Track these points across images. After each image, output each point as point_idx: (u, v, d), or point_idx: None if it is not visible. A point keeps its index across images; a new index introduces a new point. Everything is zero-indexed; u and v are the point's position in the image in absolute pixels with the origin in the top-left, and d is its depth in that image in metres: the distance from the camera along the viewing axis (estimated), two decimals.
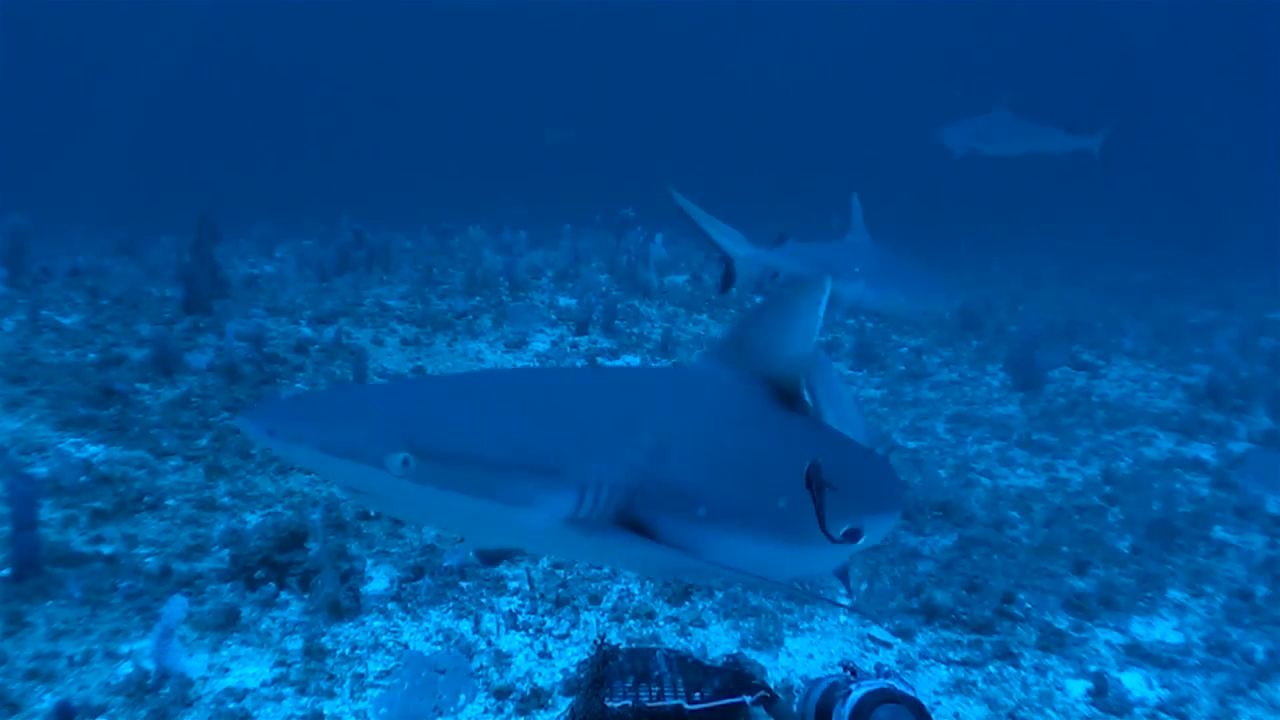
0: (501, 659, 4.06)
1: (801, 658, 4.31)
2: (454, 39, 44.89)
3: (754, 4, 43.20)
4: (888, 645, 4.51)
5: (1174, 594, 5.27)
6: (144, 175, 22.01)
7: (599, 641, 3.48)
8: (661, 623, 4.45)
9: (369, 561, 4.76)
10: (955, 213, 24.87)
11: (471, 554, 4.85)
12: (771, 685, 3.10)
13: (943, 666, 4.37)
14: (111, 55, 36.70)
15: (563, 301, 10.13)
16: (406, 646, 4.11)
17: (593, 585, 4.71)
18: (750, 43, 45.96)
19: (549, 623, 4.37)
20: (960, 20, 42.43)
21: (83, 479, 5.35)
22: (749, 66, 42.92)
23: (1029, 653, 4.53)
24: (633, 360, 8.70)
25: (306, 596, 4.36)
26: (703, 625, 4.47)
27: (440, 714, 3.70)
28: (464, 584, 4.61)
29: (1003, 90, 11.43)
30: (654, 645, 3.61)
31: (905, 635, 4.59)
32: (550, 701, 3.79)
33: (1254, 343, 11.66)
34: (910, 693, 2.71)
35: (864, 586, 4.89)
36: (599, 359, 8.54)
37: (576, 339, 9.08)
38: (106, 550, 4.68)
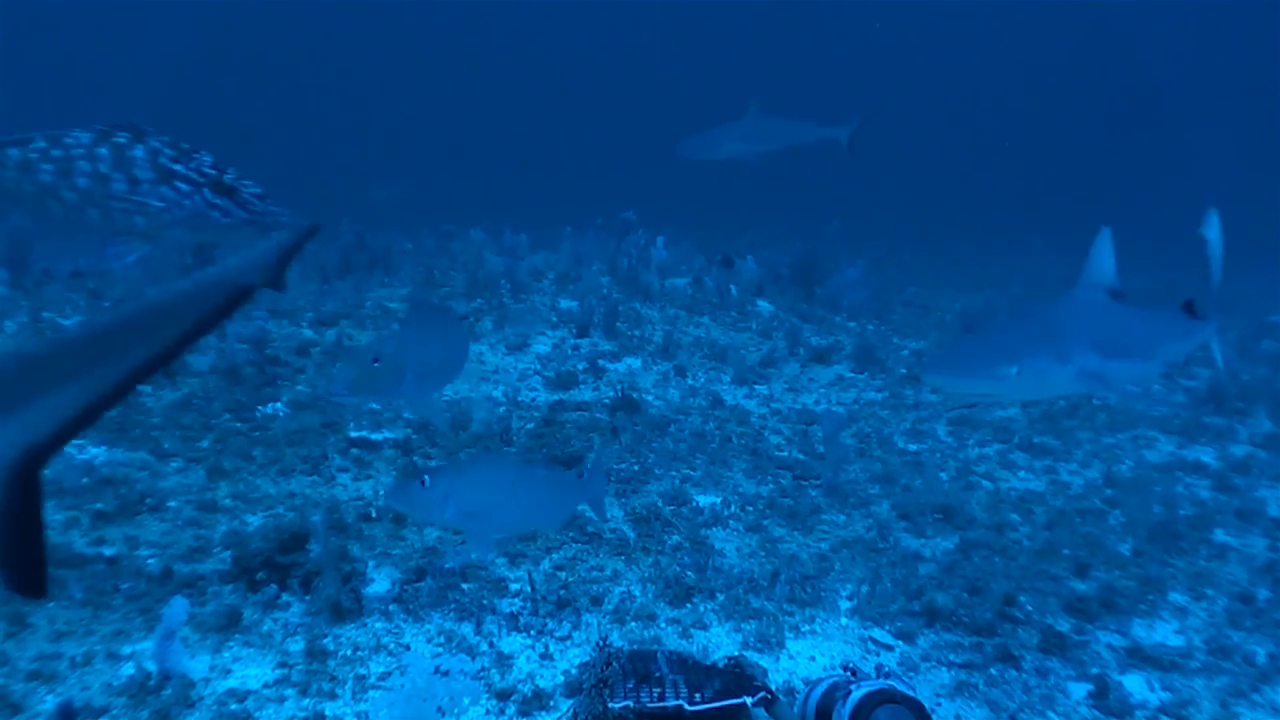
0: (503, 660, 4.06)
1: (803, 660, 4.31)
2: (454, 40, 44.94)
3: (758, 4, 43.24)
4: (889, 648, 4.51)
5: (1175, 597, 5.27)
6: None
7: (601, 643, 3.49)
8: (663, 624, 4.45)
9: (370, 563, 4.77)
10: (955, 214, 24.90)
11: (473, 555, 4.86)
12: (773, 687, 3.11)
13: (944, 669, 4.37)
14: (112, 56, 36.76)
15: (564, 304, 10.14)
16: (408, 648, 4.11)
17: (594, 587, 4.71)
18: (751, 43, 46.00)
19: (550, 624, 4.37)
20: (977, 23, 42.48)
21: (84, 481, 5.36)
22: (750, 67, 42.94)
23: (1030, 655, 4.53)
24: (634, 363, 8.71)
25: (308, 598, 4.37)
26: (704, 627, 4.47)
27: (443, 715, 3.70)
28: (465, 586, 4.62)
29: (756, 95, 11.78)
30: (655, 647, 3.61)
31: (907, 638, 4.59)
32: (552, 703, 3.79)
33: (1255, 346, 11.68)
34: (910, 693, 2.72)
35: (865, 589, 4.89)
36: (600, 361, 8.55)
37: (578, 341, 9.09)
38: (108, 552, 4.69)
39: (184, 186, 4.14)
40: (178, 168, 4.16)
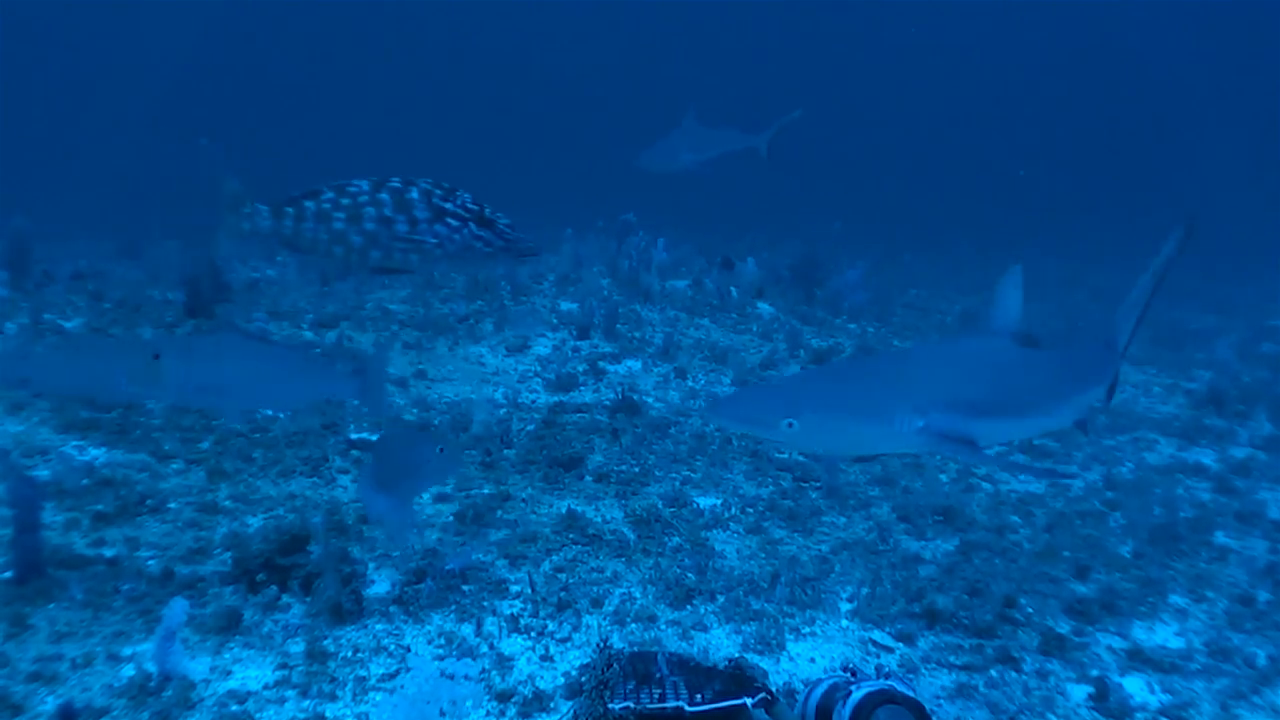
0: (503, 662, 4.06)
1: (803, 661, 4.31)
2: (454, 40, 44.97)
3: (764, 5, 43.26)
4: (889, 649, 4.51)
5: (1176, 599, 5.27)
6: (146, 178, 22.05)
7: (601, 645, 3.49)
8: (663, 626, 4.45)
9: (371, 565, 4.77)
10: (956, 215, 24.90)
11: (474, 556, 4.86)
12: (773, 688, 3.11)
13: (945, 671, 4.37)
14: (113, 57, 36.79)
15: (564, 306, 10.15)
16: (409, 649, 4.11)
17: (594, 589, 4.71)
18: (752, 44, 46.02)
19: (551, 626, 4.37)
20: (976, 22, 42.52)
21: (85, 482, 5.36)
22: (755, 66, 42.97)
23: (1030, 657, 4.53)
24: (634, 365, 8.71)
25: (308, 599, 4.36)
26: (705, 629, 4.47)
27: (444, 718, 3.70)
28: (466, 587, 4.62)
29: (691, 102, 11.85)
30: (656, 648, 3.61)
31: (907, 639, 4.59)
32: (552, 705, 3.79)
33: (1255, 348, 11.69)
34: (910, 694, 2.72)
35: (865, 591, 4.89)
36: (600, 363, 8.55)
37: (578, 343, 9.09)
38: (109, 553, 4.69)
39: (453, 223, 4.56)
40: (447, 205, 4.58)
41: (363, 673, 3.91)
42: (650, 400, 7.84)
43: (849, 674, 2.95)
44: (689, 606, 4.65)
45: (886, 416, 3.68)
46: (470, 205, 4.63)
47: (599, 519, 5.57)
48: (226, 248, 4.68)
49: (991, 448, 4.27)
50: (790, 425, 3.58)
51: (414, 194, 4.55)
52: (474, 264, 4.93)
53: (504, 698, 3.82)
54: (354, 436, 6.41)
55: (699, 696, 2.96)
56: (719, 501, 5.94)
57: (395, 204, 4.51)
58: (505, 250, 4.71)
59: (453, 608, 4.45)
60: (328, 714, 3.65)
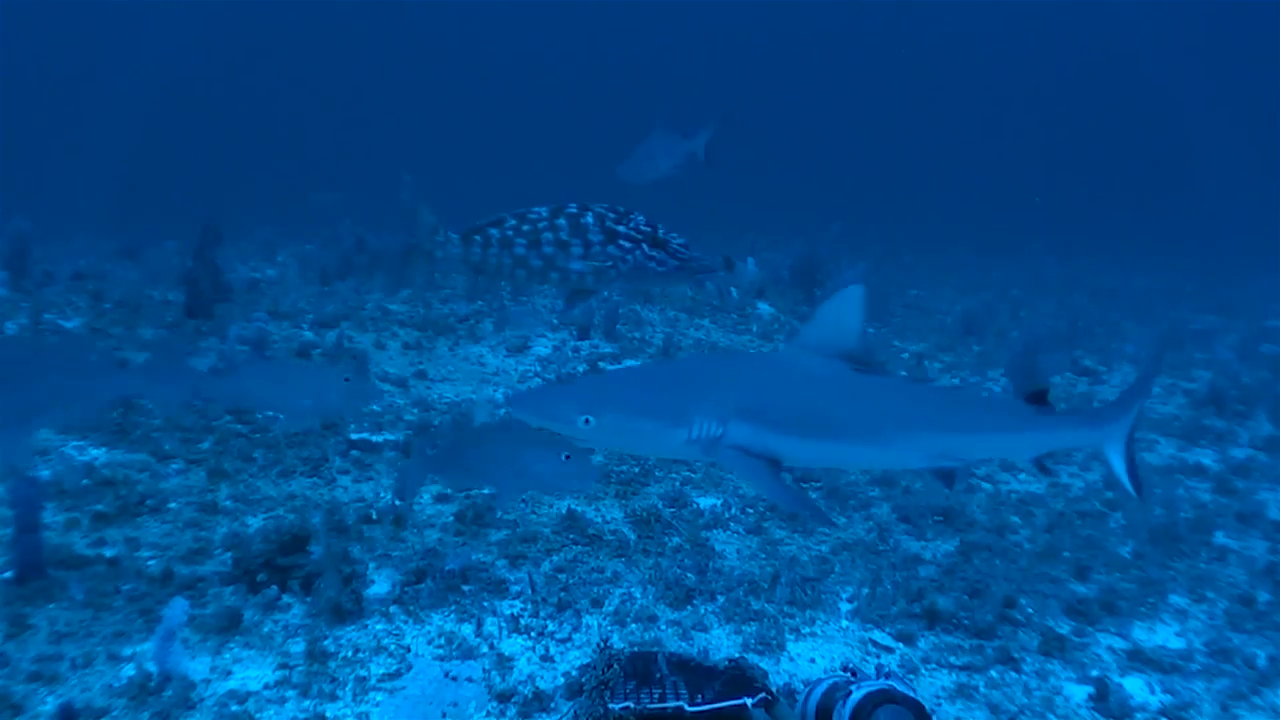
0: (504, 662, 4.06)
1: (804, 662, 4.31)
2: (454, 39, 44.97)
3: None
4: (889, 650, 4.51)
5: (1176, 599, 5.27)
6: (146, 179, 22.06)
7: (601, 645, 3.49)
8: (664, 626, 4.45)
9: (371, 565, 4.76)
10: (957, 215, 24.91)
11: (474, 556, 4.86)
12: (773, 688, 3.11)
13: (945, 671, 4.37)
14: (113, 57, 36.78)
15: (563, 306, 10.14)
16: (409, 649, 4.11)
17: (594, 589, 4.71)
18: (755, 44, 46.04)
19: (551, 626, 4.37)
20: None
21: (85, 482, 5.36)
22: (758, 66, 42.99)
23: (1031, 658, 4.53)
24: (634, 365, 8.71)
25: (309, 599, 4.36)
26: (705, 629, 4.47)
27: (444, 717, 3.70)
28: (466, 587, 4.62)
29: (660, 109, 11.86)
30: (656, 649, 3.61)
31: (907, 640, 4.59)
32: (552, 705, 3.79)
33: (1255, 348, 11.68)
34: (911, 694, 2.72)
35: (865, 591, 4.89)
36: (601, 364, 8.55)
37: (579, 344, 9.10)
38: (109, 553, 4.69)
39: (626, 244, 4.78)
40: (619, 228, 4.79)
41: (363, 673, 3.91)
42: None
43: (849, 674, 2.95)
44: (689, 607, 4.65)
45: (684, 421, 3.54)
46: (643, 227, 4.82)
47: (599, 519, 5.58)
48: (422, 274, 4.97)
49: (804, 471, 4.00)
50: (587, 422, 3.51)
51: (589, 218, 4.79)
52: (650, 283, 5.12)
53: (504, 698, 3.82)
54: (354, 437, 6.41)
55: (699, 697, 2.96)
56: (719, 502, 5.94)
57: (571, 228, 4.75)
58: (680, 269, 4.90)
59: (453, 608, 4.45)
60: (328, 714, 3.65)
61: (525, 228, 4.76)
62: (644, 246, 4.78)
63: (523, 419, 3.68)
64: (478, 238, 4.79)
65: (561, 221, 4.76)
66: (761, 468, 3.58)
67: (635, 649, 3.53)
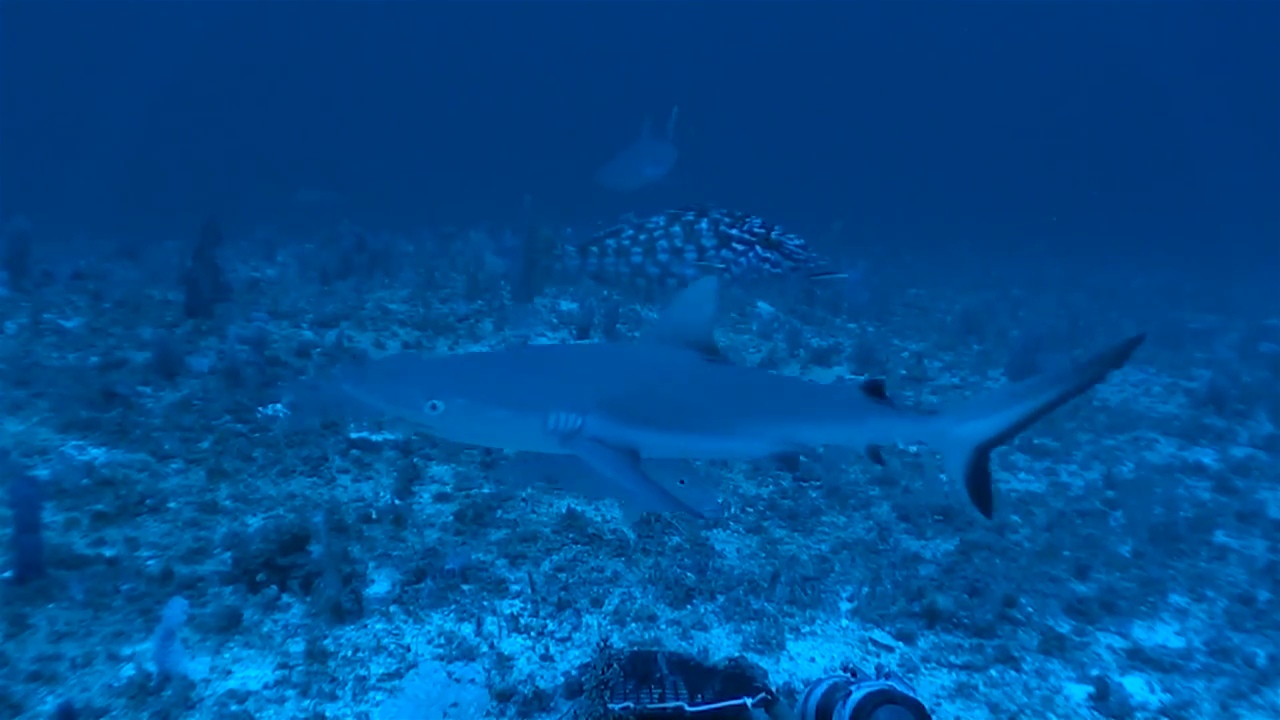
0: (503, 661, 4.06)
1: (803, 661, 4.31)
2: (454, 38, 44.95)
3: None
4: (889, 649, 4.51)
5: (1176, 598, 5.27)
6: (146, 178, 22.06)
7: (601, 645, 3.49)
8: (663, 626, 4.45)
9: (371, 564, 4.76)
10: (956, 214, 24.92)
11: (474, 555, 4.86)
12: (773, 688, 3.11)
13: (944, 670, 4.37)
14: (113, 57, 36.76)
15: (564, 306, 10.15)
16: (409, 649, 4.11)
17: (594, 589, 4.71)
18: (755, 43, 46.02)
19: (551, 625, 4.37)
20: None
21: (85, 482, 5.36)
22: (745, 66, 42.98)
23: (1030, 657, 4.53)
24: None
25: (308, 599, 4.36)
26: (704, 629, 4.47)
27: (444, 717, 3.70)
28: (466, 587, 4.62)
29: (646, 116, 11.91)
30: (656, 648, 3.61)
31: (907, 639, 4.59)
32: (552, 704, 3.79)
33: (1255, 347, 11.68)
34: (910, 694, 2.72)
35: (865, 590, 4.89)
36: None
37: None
38: (108, 553, 4.69)
39: (739, 247, 4.82)
40: (733, 231, 4.83)
41: (363, 672, 3.91)
42: None
43: (849, 674, 2.95)
44: (689, 606, 4.65)
45: (540, 412, 3.39)
46: (757, 229, 4.84)
47: (599, 518, 5.58)
48: (543, 286, 5.14)
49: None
50: (434, 408, 3.32)
51: (703, 224, 4.85)
52: (766, 285, 5.08)
53: (504, 697, 3.82)
54: (354, 436, 6.40)
55: (699, 696, 2.96)
56: (719, 501, 5.93)
57: (685, 234, 4.83)
58: (795, 270, 4.91)
59: (452, 607, 4.45)
60: (328, 714, 3.65)
61: (641, 236, 4.86)
62: (757, 249, 4.79)
63: (364, 402, 3.40)
64: (594, 249, 4.85)
65: (676, 229, 4.84)
66: (622, 460, 3.46)
67: (635, 648, 3.53)
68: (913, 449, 7.39)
